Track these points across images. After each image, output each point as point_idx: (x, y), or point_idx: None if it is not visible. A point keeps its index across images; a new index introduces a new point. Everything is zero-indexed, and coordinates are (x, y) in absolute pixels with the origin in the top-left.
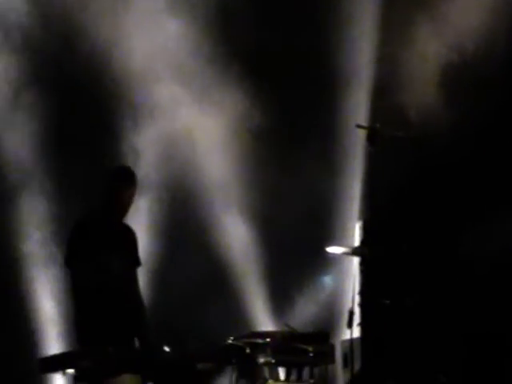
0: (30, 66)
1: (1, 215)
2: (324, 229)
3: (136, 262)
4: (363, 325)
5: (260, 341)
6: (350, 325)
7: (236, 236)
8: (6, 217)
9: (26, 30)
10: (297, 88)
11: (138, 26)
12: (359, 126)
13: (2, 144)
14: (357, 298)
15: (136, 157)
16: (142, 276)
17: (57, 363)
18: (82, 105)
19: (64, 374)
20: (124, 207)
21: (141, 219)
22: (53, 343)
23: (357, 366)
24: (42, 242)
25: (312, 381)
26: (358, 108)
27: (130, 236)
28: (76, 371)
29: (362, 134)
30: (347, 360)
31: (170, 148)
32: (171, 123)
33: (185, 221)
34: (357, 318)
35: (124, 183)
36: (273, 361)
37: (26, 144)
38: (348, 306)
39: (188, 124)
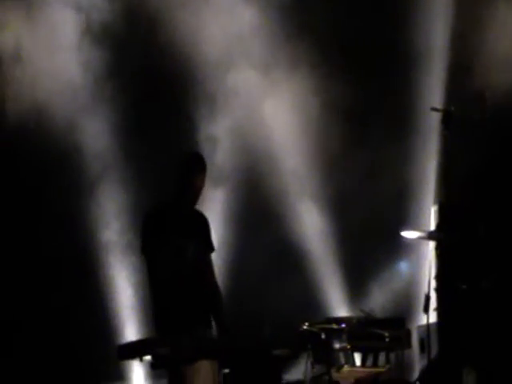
0: (111, 58)
1: (82, 205)
2: (399, 213)
3: (210, 247)
4: (440, 310)
5: (335, 326)
6: (426, 310)
7: (310, 222)
8: (87, 207)
9: (108, 23)
10: (372, 71)
11: (214, 15)
12: (434, 109)
13: (84, 136)
14: (433, 283)
15: (213, 145)
16: (217, 262)
17: (135, 350)
18: (160, 94)
19: (142, 360)
20: (196, 193)
21: (216, 207)
22: (131, 330)
23: (434, 351)
24: (120, 231)
25: (388, 366)
26: (433, 91)
27: (202, 221)
28: (153, 358)
29: (437, 117)
30: (424, 345)
31: (245, 136)
32: (246, 111)
33: (260, 208)
34: (433, 303)
35: (195, 169)
36: (348, 346)
37: (106, 135)
38: (424, 290)
39: (263, 112)
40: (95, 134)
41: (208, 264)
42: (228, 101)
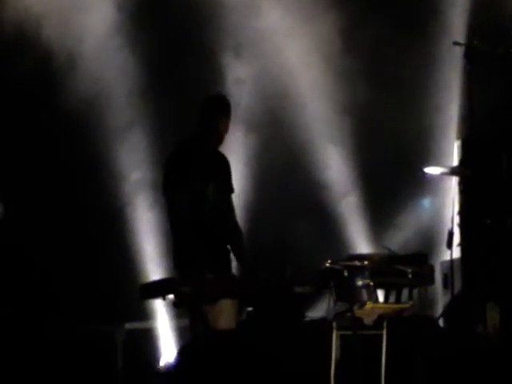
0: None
1: (103, 158)
2: (421, 149)
3: (230, 188)
4: (463, 245)
5: (358, 263)
6: (449, 245)
7: (332, 161)
8: (108, 159)
9: None
10: (392, 6)
11: None
12: (456, 43)
13: (113, 76)
14: (456, 218)
15: (239, 87)
16: (240, 204)
17: (157, 289)
18: (185, 40)
19: (164, 299)
20: (219, 137)
21: (238, 149)
22: (155, 269)
23: (457, 287)
24: (143, 183)
25: (411, 302)
26: (455, 24)
27: (224, 163)
28: (176, 297)
29: (459, 52)
30: (447, 281)
31: (270, 80)
32: (273, 55)
33: (281, 150)
34: (456, 239)
35: (220, 112)
36: (371, 283)
37: (127, 85)
38: (447, 226)
39: (289, 56)
40: (122, 77)
41: (228, 205)
42: (254, 44)
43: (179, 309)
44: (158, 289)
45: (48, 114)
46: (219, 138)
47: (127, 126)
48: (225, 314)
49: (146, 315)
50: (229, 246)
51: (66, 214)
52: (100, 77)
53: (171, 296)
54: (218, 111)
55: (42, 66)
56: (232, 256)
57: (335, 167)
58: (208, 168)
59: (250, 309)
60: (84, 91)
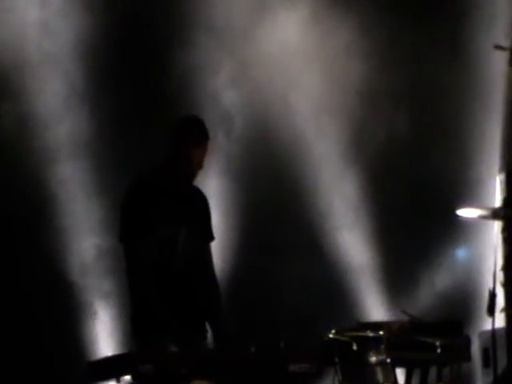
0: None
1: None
2: (454, 185)
3: (208, 235)
4: (509, 311)
5: (371, 334)
6: (490, 311)
7: (340, 194)
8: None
9: None
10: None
11: None
12: (498, 48)
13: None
14: (499, 276)
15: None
16: (216, 254)
17: (110, 368)
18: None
19: (119, 381)
20: (193, 169)
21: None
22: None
23: (501, 365)
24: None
25: None
26: (495, 24)
27: (200, 203)
28: (134, 378)
29: (502, 57)
30: (488, 357)
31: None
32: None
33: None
34: (500, 302)
35: (195, 138)
36: (388, 360)
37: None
38: (488, 286)
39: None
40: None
41: (205, 256)
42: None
43: None
44: (111, 367)
45: None
46: (191, 171)
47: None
48: None
49: None
50: (203, 310)
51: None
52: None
53: (127, 377)
54: (191, 138)
55: None
56: (207, 323)
57: (344, 206)
58: (179, 209)
59: None
60: None
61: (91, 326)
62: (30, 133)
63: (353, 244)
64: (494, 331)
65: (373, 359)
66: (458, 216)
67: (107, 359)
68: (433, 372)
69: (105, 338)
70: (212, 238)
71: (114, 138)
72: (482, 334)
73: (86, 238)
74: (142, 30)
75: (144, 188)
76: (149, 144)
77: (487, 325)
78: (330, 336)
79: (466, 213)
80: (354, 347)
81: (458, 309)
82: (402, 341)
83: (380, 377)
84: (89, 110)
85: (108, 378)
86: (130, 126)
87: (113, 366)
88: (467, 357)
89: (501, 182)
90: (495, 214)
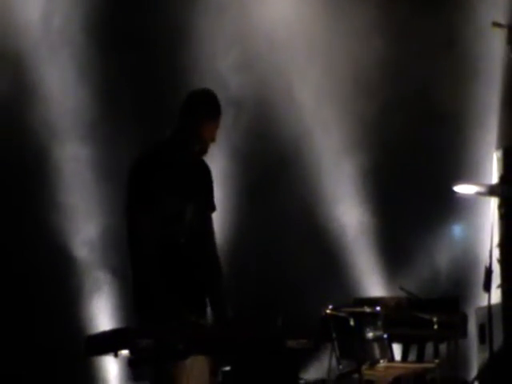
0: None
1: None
2: (451, 162)
3: (210, 206)
4: (505, 287)
5: (368, 310)
6: (487, 287)
7: (339, 174)
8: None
9: None
10: None
11: None
12: (496, 25)
13: None
14: (495, 252)
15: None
16: (222, 231)
17: (107, 342)
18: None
19: (116, 356)
20: (204, 144)
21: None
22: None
23: (497, 341)
24: None
25: (437, 361)
26: (495, 2)
27: (206, 176)
28: (132, 353)
29: (500, 36)
30: (484, 333)
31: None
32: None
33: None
34: (496, 279)
35: (207, 114)
36: (385, 335)
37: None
38: (484, 262)
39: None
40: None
41: (208, 230)
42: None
43: (136, 369)
44: (109, 342)
45: None
46: (203, 147)
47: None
48: (195, 375)
49: (92, 376)
50: (204, 286)
51: None
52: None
53: (126, 351)
54: (204, 112)
55: None
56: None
57: (342, 182)
58: (187, 181)
59: (227, 368)
60: None
61: (94, 302)
62: (39, 107)
63: (352, 221)
64: (490, 307)
65: (370, 335)
66: (455, 193)
67: (105, 333)
68: (429, 348)
69: (107, 313)
70: (214, 208)
71: (123, 120)
72: (479, 310)
73: (90, 215)
74: (147, 16)
75: (153, 160)
76: (155, 128)
77: (483, 301)
78: (328, 312)
79: (463, 189)
80: (352, 323)
81: (455, 285)
82: (399, 317)
83: (377, 352)
84: (98, 93)
85: (106, 353)
86: (139, 111)
87: (111, 340)
88: (463, 333)
89: (498, 159)
90: (492, 191)
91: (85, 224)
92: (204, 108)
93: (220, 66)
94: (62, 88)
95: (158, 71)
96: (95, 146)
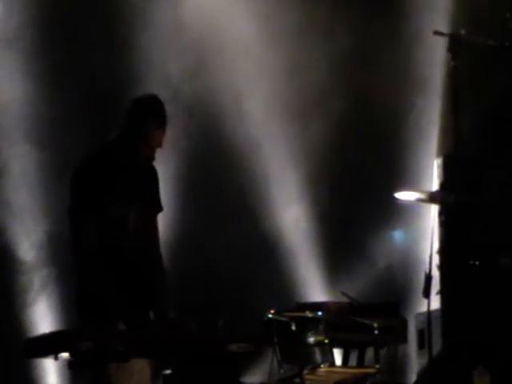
0: None
1: None
2: (392, 169)
3: (157, 206)
4: (444, 293)
5: (310, 314)
6: (426, 293)
7: (281, 181)
8: None
9: None
10: None
11: None
12: (438, 34)
13: None
14: (435, 258)
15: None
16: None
17: (47, 345)
18: None
19: (56, 358)
20: (153, 150)
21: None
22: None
23: (436, 347)
24: None
25: (377, 366)
26: (436, 10)
27: (152, 178)
28: (72, 355)
29: (442, 44)
30: (423, 339)
31: None
32: None
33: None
34: (436, 285)
35: (153, 120)
36: (326, 340)
37: None
38: (424, 268)
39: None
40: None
41: (152, 231)
42: None
43: (76, 371)
44: (49, 344)
45: None
46: (150, 154)
47: None
48: (135, 378)
49: (31, 379)
50: (147, 288)
51: None
52: None
53: (66, 354)
54: (152, 122)
55: None
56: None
57: (287, 188)
58: (131, 185)
59: (167, 371)
60: None
61: (38, 303)
62: None
63: (294, 225)
64: (429, 313)
65: (311, 339)
66: (396, 199)
67: (45, 336)
68: (370, 353)
69: (51, 315)
70: (161, 209)
71: (71, 119)
72: (418, 315)
73: (37, 215)
74: (97, 19)
75: (97, 162)
76: (103, 129)
77: (423, 307)
78: (270, 316)
79: (404, 196)
80: (293, 327)
81: (395, 291)
82: (340, 322)
83: (318, 357)
84: (45, 92)
85: (46, 355)
86: (87, 111)
87: (51, 343)
88: (404, 338)
89: (438, 166)
90: (432, 198)
91: (32, 223)
92: (152, 118)
93: (171, 72)
94: (7, 87)
95: (108, 74)
96: (42, 145)
